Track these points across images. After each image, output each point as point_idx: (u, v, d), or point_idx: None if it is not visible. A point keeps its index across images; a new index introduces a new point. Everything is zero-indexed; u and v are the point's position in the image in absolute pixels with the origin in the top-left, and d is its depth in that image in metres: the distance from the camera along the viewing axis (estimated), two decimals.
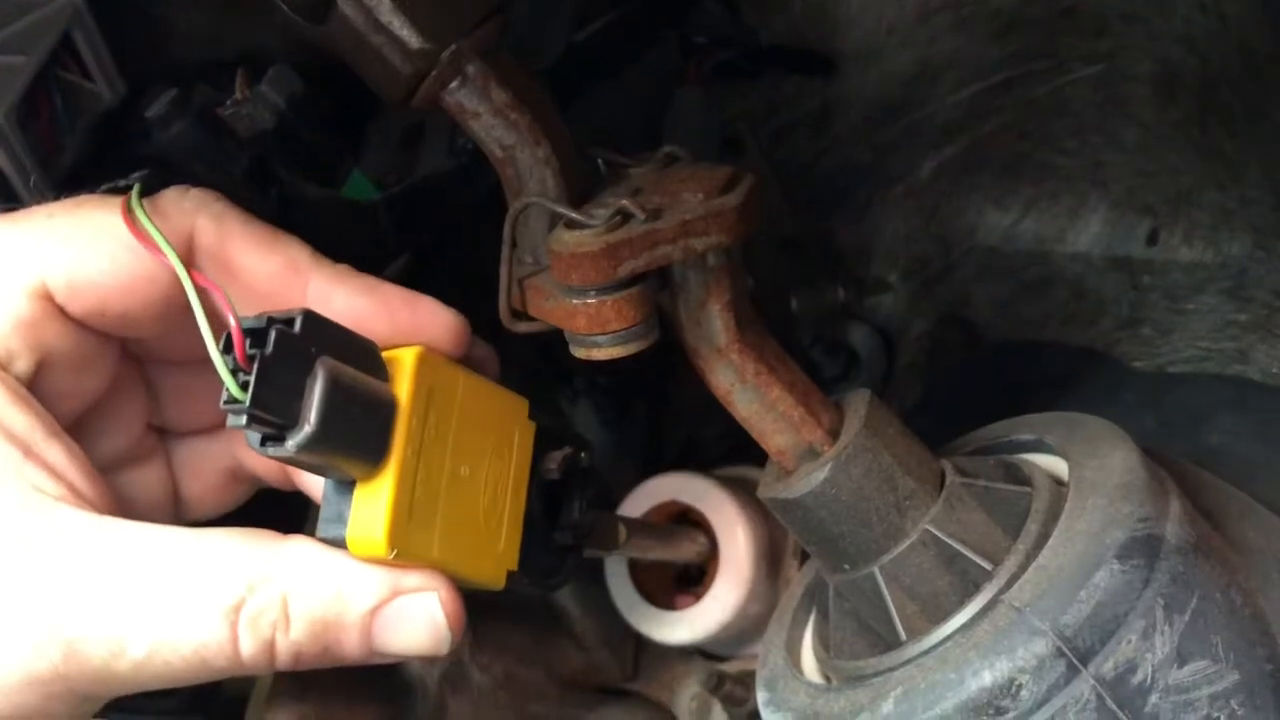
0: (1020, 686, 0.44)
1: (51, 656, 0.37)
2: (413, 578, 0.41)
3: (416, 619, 0.41)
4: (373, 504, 0.39)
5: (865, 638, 0.50)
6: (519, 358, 0.75)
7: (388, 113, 0.71)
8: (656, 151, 0.51)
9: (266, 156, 0.60)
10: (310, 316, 0.38)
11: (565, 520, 0.51)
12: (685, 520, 0.71)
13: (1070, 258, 0.79)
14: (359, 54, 0.47)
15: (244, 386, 0.36)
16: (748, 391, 0.49)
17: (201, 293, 0.39)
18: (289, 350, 0.36)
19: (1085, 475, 0.49)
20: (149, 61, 0.70)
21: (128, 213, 0.42)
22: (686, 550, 0.69)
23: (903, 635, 0.48)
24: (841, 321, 0.83)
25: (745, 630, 0.70)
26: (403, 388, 0.40)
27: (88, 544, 0.38)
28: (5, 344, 0.41)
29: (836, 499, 0.48)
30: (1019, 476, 0.51)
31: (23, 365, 0.41)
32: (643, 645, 0.76)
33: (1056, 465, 0.52)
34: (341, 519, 0.39)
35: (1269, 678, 0.47)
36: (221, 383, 0.36)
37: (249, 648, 0.39)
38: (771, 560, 0.70)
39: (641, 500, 0.72)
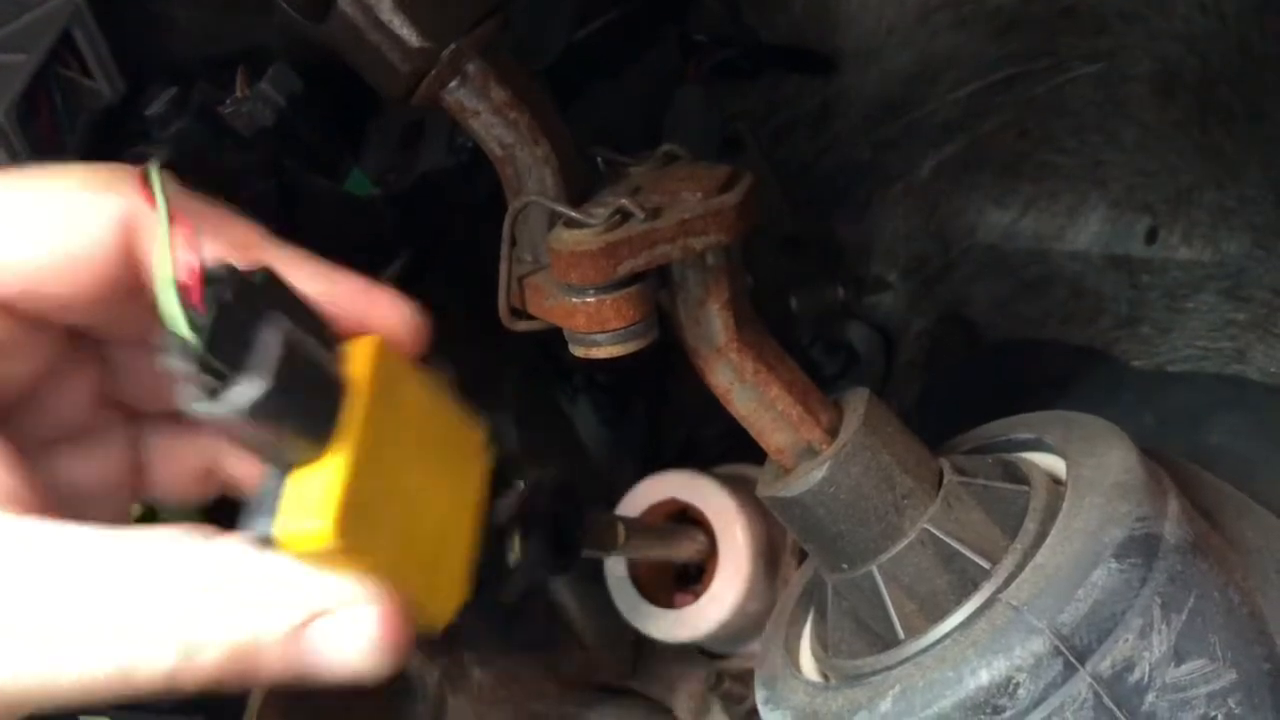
0: (1018, 685, 0.44)
1: None
2: (350, 589, 0.35)
3: (351, 639, 0.35)
4: (318, 488, 0.34)
5: (863, 636, 0.50)
6: (518, 356, 0.75)
7: (387, 111, 0.71)
8: (656, 150, 0.51)
9: (265, 164, 0.60)
10: (273, 276, 0.35)
11: (509, 573, 0.44)
12: (684, 519, 0.72)
13: (1069, 256, 0.79)
14: (359, 52, 0.47)
15: (197, 332, 0.32)
16: (746, 390, 0.49)
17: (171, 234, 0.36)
18: (248, 302, 0.33)
19: (1083, 474, 0.49)
20: (149, 59, 0.70)
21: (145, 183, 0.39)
22: (686, 549, 0.70)
23: (901, 634, 0.48)
24: (841, 320, 0.83)
25: (744, 629, 0.70)
26: (361, 370, 0.36)
27: None
28: None
29: (835, 498, 0.48)
30: (1017, 475, 0.52)
31: None
32: (642, 643, 0.76)
33: (1055, 464, 0.52)
34: (275, 511, 0.34)
35: (1266, 676, 0.47)
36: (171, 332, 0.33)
37: (165, 667, 0.34)
38: (770, 559, 0.70)
39: (640, 499, 0.72)
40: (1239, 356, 0.70)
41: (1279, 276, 0.72)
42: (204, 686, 0.34)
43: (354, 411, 0.35)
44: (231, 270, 0.34)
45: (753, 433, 0.50)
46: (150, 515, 0.59)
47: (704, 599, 0.69)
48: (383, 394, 0.37)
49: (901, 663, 0.47)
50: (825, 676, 0.53)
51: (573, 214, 0.45)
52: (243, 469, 0.45)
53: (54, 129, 0.69)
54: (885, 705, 0.46)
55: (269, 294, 0.35)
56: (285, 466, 0.35)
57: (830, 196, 0.86)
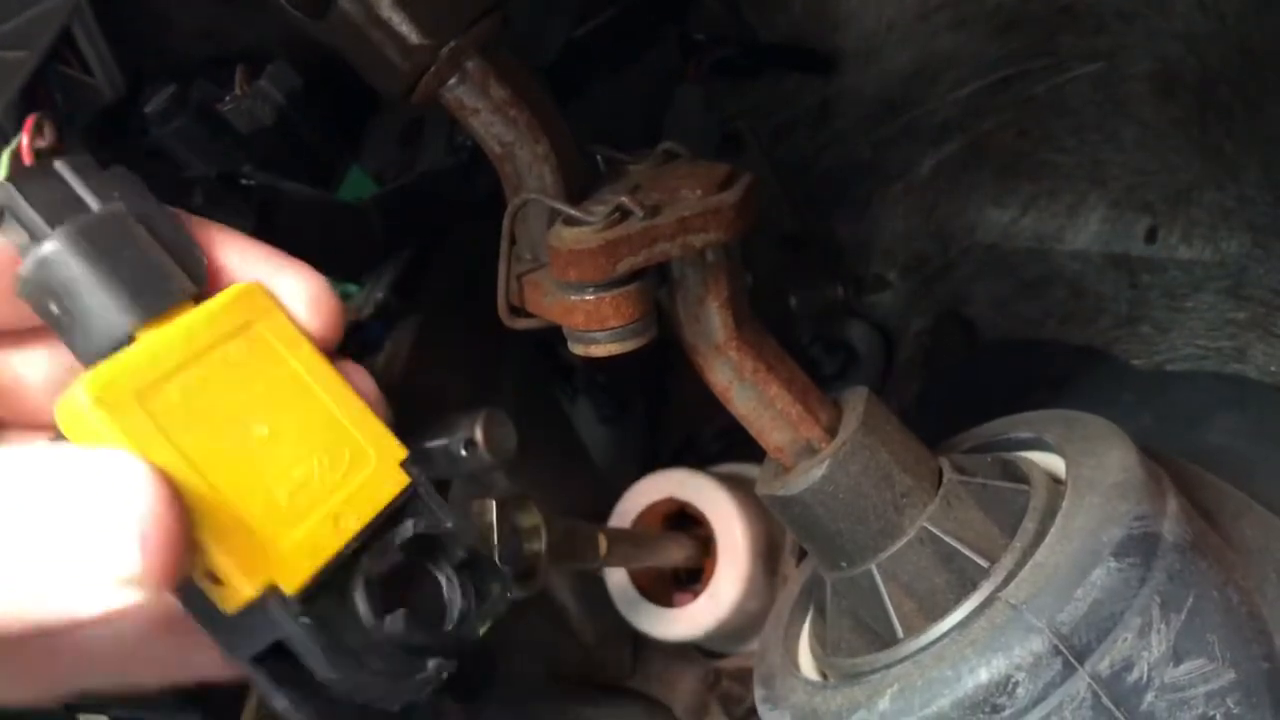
0: (1017, 684, 0.44)
1: None
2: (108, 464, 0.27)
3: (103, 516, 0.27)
4: (103, 365, 0.30)
5: (862, 635, 0.50)
6: (518, 355, 0.75)
7: (387, 110, 0.71)
8: (655, 148, 0.51)
9: (267, 161, 0.60)
10: (128, 173, 0.32)
11: (389, 630, 0.32)
12: (683, 517, 0.72)
13: (1069, 256, 0.79)
14: (358, 49, 0.46)
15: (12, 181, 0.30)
16: (746, 388, 0.49)
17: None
18: (84, 174, 0.31)
19: (1083, 473, 0.49)
20: (149, 57, 0.70)
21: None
22: (673, 556, 0.70)
23: (900, 632, 0.48)
24: (840, 319, 0.83)
25: (743, 627, 0.70)
26: (216, 300, 0.32)
27: None
28: None
29: (834, 496, 0.48)
30: (1017, 474, 0.52)
31: None
32: (641, 642, 0.76)
33: (1054, 463, 0.52)
34: None
35: (1265, 676, 0.47)
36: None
37: None
38: (769, 558, 0.70)
39: (639, 497, 0.72)
40: (1239, 355, 0.70)
41: (1278, 276, 0.72)
42: None
43: (181, 321, 0.31)
44: (88, 160, 0.32)
45: (752, 431, 0.50)
46: None
47: (703, 598, 0.69)
48: (237, 329, 0.32)
49: (900, 661, 0.47)
50: (824, 675, 0.53)
51: (572, 211, 0.45)
52: None
53: (53, 126, 0.69)
54: (884, 704, 0.46)
55: (119, 181, 0.32)
56: (89, 352, 0.30)
57: (830, 196, 0.86)
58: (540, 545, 0.55)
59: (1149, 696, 0.44)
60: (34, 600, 0.27)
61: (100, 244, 0.30)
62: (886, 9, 0.82)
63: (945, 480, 0.49)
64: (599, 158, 0.51)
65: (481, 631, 0.34)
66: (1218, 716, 0.45)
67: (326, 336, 0.36)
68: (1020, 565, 0.46)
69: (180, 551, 0.28)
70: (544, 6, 0.70)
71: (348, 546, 0.32)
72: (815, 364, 0.82)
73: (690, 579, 0.72)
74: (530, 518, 0.55)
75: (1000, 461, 0.53)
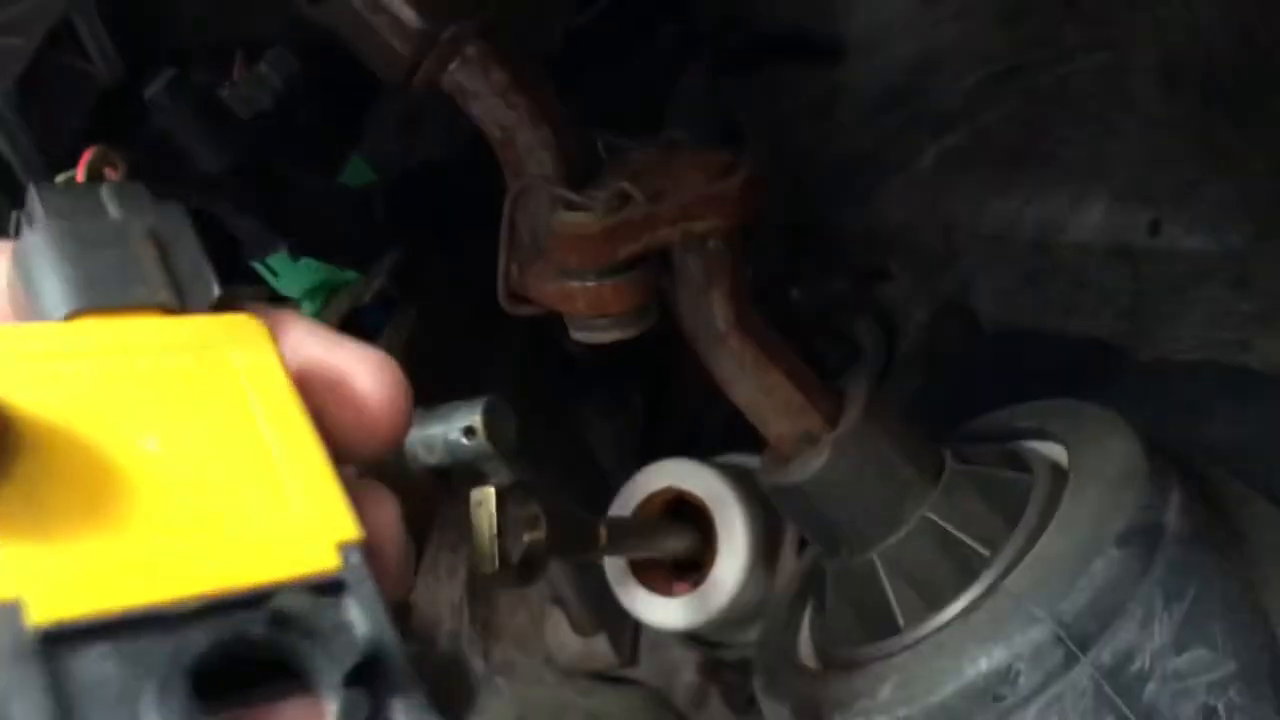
0: (1018, 674, 0.43)
1: None
2: None
3: None
4: None
5: (863, 625, 0.50)
6: (518, 344, 0.75)
7: (387, 95, 0.71)
8: (658, 136, 0.51)
9: (266, 147, 0.59)
10: (175, 206, 0.29)
11: None
12: (683, 507, 0.71)
13: (1073, 247, 0.79)
14: (358, 35, 0.46)
15: None
16: (747, 378, 0.49)
17: None
18: (121, 194, 0.29)
19: (1086, 463, 0.49)
20: (148, 43, 0.70)
21: None
22: (672, 546, 0.69)
23: (901, 622, 0.48)
24: (842, 310, 0.83)
25: (743, 617, 0.70)
26: (186, 318, 0.28)
27: None
28: None
29: (835, 485, 0.48)
30: (1019, 464, 0.51)
31: None
32: (640, 632, 0.76)
33: (1057, 453, 0.52)
34: None
35: (1266, 666, 0.47)
36: None
37: None
38: (769, 547, 0.70)
39: (639, 488, 0.72)
40: (1242, 347, 0.70)
41: None
42: None
43: (126, 320, 0.27)
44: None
45: (753, 420, 0.50)
46: None
47: (703, 587, 0.69)
48: (181, 335, 0.27)
49: (901, 651, 0.47)
50: (824, 665, 0.53)
51: (573, 197, 0.45)
52: None
53: (53, 113, 0.69)
54: (885, 693, 0.46)
55: (155, 210, 0.29)
56: None
57: (832, 186, 0.85)
58: (540, 535, 0.55)
59: (1151, 686, 0.44)
60: None
61: (80, 239, 0.27)
62: None
63: (947, 470, 0.49)
64: (599, 144, 0.51)
65: None
66: (1219, 706, 0.45)
67: (391, 412, 0.30)
68: (1022, 555, 0.46)
69: None
70: None
71: (180, 606, 0.23)
72: (816, 355, 0.82)
73: (690, 569, 0.71)
74: (529, 507, 0.55)
75: (1003, 451, 0.52)
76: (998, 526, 0.48)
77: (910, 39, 0.83)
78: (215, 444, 0.26)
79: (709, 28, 0.81)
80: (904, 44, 0.83)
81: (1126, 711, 0.44)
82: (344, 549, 0.25)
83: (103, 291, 0.27)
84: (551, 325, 0.49)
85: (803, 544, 0.66)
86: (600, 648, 0.75)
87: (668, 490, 0.71)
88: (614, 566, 0.72)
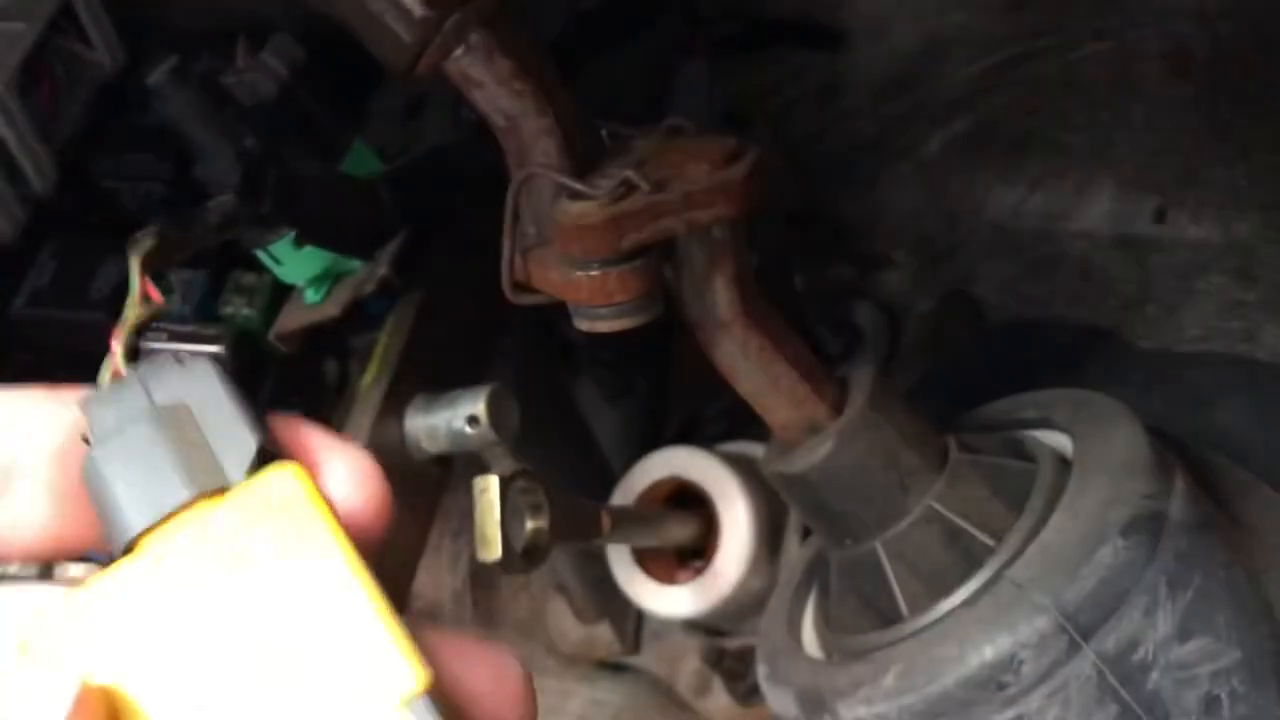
0: (1022, 662, 0.44)
1: None
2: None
3: None
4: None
5: (866, 613, 0.50)
6: (521, 332, 0.75)
7: (391, 83, 0.70)
8: (661, 123, 0.50)
9: (270, 134, 0.59)
10: (208, 365, 0.31)
11: None
12: (686, 496, 0.71)
13: (1077, 236, 0.79)
14: (362, 22, 0.46)
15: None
16: (751, 366, 0.49)
17: None
18: (159, 375, 0.30)
19: (1090, 452, 0.49)
20: (150, 29, 0.69)
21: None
22: (676, 534, 0.70)
23: (904, 610, 0.48)
24: (846, 298, 0.82)
25: (746, 605, 0.70)
26: (229, 500, 0.29)
27: None
28: None
29: (839, 474, 0.48)
30: (1023, 453, 0.51)
31: None
32: (643, 620, 0.76)
33: (1061, 442, 0.52)
34: None
35: (1270, 655, 0.47)
36: None
37: None
38: (773, 536, 0.70)
39: (642, 476, 0.72)
40: (1248, 337, 0.70)
41: None
42: None
43: (181, 522, 0.28)
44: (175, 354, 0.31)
45: (757, 408, 0.50)
46: None
47: (706, 575, 0.69)
48: (230, 522, 0.28)
49: (904, 639, 0.47)
50: (828, 653, 0.53)
51: (577, 186, 0.45)
52: None
53: (54, 99, 0.68)
54: (888, 681, 0.46)
55: (193, 379, 0.30)
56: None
57: (836, 173, 0.85)
58: (543, 522, 0.55)
59: (1154, 675, 0.44)
60: None
61: (128, 454, 0.29)
62: None
63: (951, 459, 0.49)
64: (603, 132, 0.50)
65: None
66: (1222, 695, 0.45)
67: (369, 516, 0.30)
68: (1026, 544, 0.46)
69: None
70: None
71: None
72: (821, 343, 0.82)
73: (693, 557, 0.72)
74: (533, 495, 0.55)
75: (1007, 440, 0.52)
76: (1002, 515, 0.48)
77: (915, 26, 0.82)
78: (266, 640, 0.26)
79: (712, 14, 0.81)
80: (908, 31, 0.83)
81: (1130, 700, 0.44)
82: (414, 705, 0.25)
83: (156, 503, 0.28)
84: (555, 314, 0.49)
85: (806, 532, 0.66)
86: (603, 635, 0.75)
87: (671, 478, 0.71)
88: (617, 554, 0.72)
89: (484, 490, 0.53)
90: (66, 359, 0.66)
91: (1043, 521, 0.47)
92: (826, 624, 0.53)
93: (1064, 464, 0.50)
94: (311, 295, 0.63)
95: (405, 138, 0.68)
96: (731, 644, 0.73)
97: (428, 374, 0.62)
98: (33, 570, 0.35)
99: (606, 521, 0.60)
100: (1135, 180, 0.78)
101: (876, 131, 0.84)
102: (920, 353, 0.81)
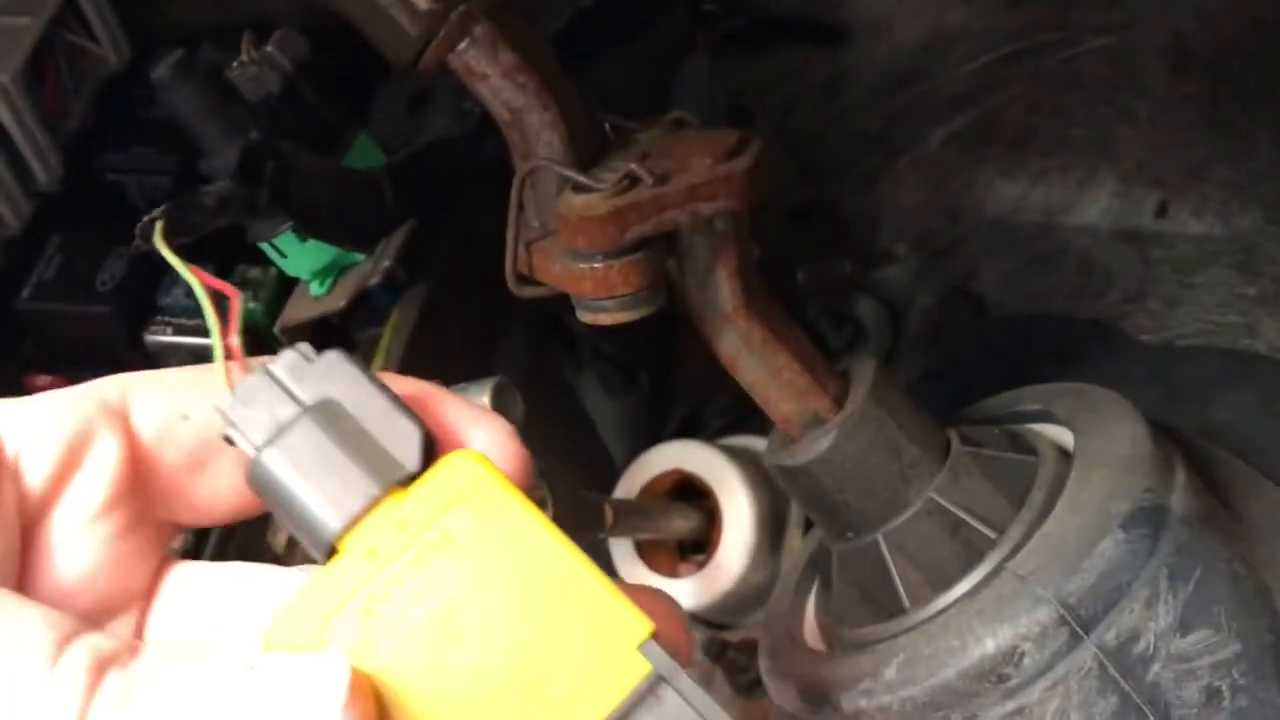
0: (1023, 654, 0.44)
1: None
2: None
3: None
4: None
5: (868, 606, 0.50)
6: (524, 325, 0.75)
7: (395, 77, 0.71)
8: (664, 117, 0.50)
9: (274, 128, 0.59)
10: (340, 359, 0.30)
11: None
12: (689, 489, 0.72)
13: (1079, 230, 0.79)
14: (366, 15, 0.46)
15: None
16: (754, 358, 0.49)
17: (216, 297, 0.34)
18: (295, 373, 0.30)
19: (1091, 446, 0.49)
20: (155, 24, 0.70)
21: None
22: (678, 527, 0.70)
23: (906, 603, 0.48)
24: (848, 293, 0.83)
25: (748, 599, 0.70)
26: (418, 491, 0.29)
27: None
28: None
29: (841, 466, 0.48)
30: (1025, 446, 0.51)
31: None
32: None
33: (1062, 436, 0.52)
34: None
35: (1271, 648, 0.47)
36: None
37: None
38: (774, 529, 0.70)
39: (645, 469, 0.72)
40: (1249, 331, 0.70)
41: None
42: None
43: (390, 510, 0.28)
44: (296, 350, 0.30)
45: (759, 401, 0.50)
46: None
47: (708, 568, 0.69)
48: (427, 512, 0.28)
49: (906, 631, 0.47)
50: (830, 646, 0.53)
51: (581, 179, 0.45)
52: None
53: (60, 93, 0.69)
54: (890, 673, 0.46)
55: (333, 375, 0.30)
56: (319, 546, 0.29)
57: (838, 169, 0.85)
58: (546, 515, 0.55)
59: (1155, 667, 0.44)
60: None
61: (295, 457, 0.29)
62: None
63: (953, 452, 0.49)
64: (606, 125, 0.51)
65: None
66: (1223, 687, 0.45)
67: (517, 480, 0.31)
68: (1028, 536, 0.47)
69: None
70: None
71: None
72: (822, 338, 0.82)
73: (695, 550, 0.72)
74: (536, 488, 0.55)
75: (1008, 434, 0.53)
76: (1003, 508, 0.48)
77: (917, 21, 0.82)
78: (498, 616, 0.27)
79: (714, 10, 0.81)
80: (911, 26, 0.83)
81: (1131, 692, 0.44)
82: (645, 649, 0.27)
83: (347, 503, 0.28)
84: (559, 307, 0.49)
85: (808, 525, 0.67)
86: None
87: (673, 472, 0.71)
88: (620, 547, 0.72)
89: None
90: (72, 352, 0.66)
91: (1044, 514, 0.47)
92: (828, 617, 0.53)
93: (1065, 457, 0.50)
94: (316, 288, 0.63)
95: (409, 131, 0.68)
96: (733, 637, 0.73)
97: (432, 367, 0.62)
98: None
99: (609, 514, 0.60)
100: (1137, 175, 0.78)
101: (878, 127, 0.85)
102: (921, 347, 0.81)
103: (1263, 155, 0.74)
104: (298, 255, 0.61)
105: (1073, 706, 0.44)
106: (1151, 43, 0.77)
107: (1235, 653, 0.45)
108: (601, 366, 0.80)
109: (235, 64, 0.61)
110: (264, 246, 0.61)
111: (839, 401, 0.49)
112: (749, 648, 0.71)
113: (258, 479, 0.29)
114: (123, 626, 0.31)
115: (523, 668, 0.27)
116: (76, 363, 0.64)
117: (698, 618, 0.73)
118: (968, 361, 0.77)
